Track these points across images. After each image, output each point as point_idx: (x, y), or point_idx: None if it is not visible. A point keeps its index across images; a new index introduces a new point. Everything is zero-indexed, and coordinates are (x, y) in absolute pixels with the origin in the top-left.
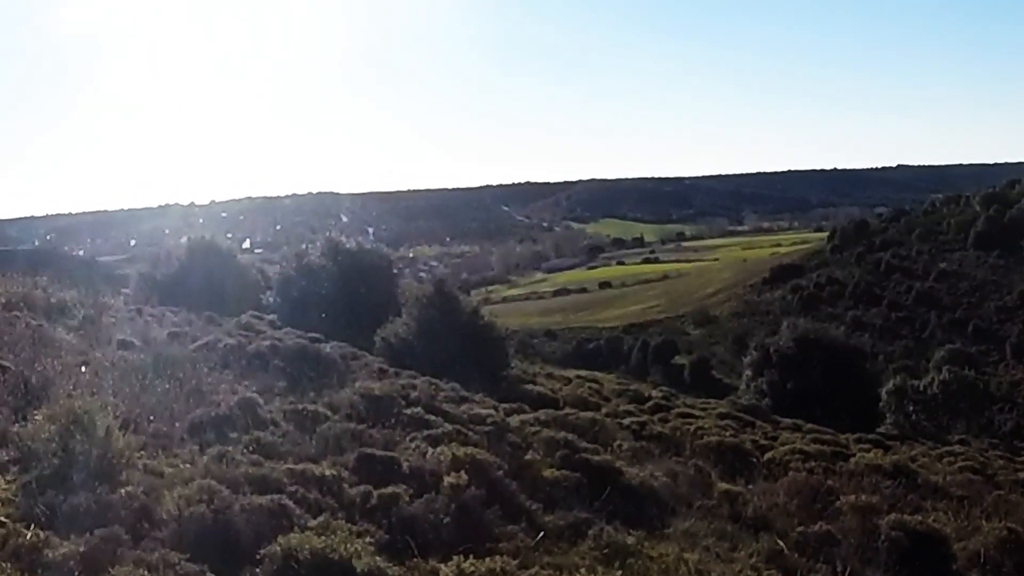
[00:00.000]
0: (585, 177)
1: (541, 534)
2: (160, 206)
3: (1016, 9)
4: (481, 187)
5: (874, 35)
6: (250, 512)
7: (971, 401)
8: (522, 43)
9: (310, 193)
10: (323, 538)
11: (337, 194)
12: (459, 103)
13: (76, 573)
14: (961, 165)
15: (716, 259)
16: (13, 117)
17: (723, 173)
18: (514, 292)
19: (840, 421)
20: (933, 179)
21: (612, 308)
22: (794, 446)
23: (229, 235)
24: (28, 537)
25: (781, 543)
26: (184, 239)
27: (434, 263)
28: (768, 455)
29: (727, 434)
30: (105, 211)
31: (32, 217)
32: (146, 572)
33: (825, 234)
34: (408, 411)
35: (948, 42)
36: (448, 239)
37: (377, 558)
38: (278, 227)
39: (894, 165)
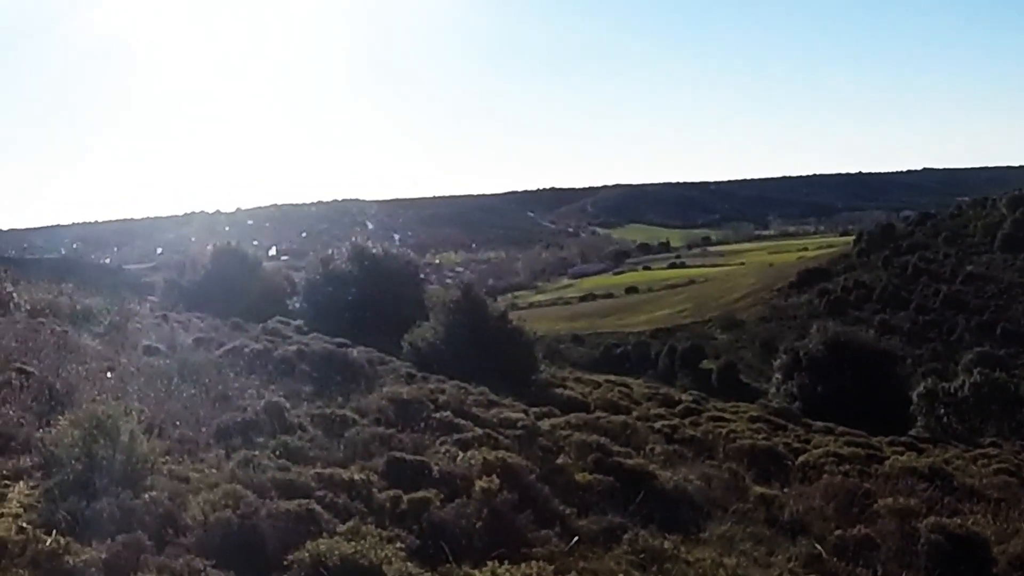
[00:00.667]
0: (610, 183)
1: (575, 539)
2: (186, 214)
3: None
4: (506, 193)
5: (899, 39)
6: (277, 517)
7: (1002, 403)
8: (547, 49)
9: (335, 200)
10: (353, 543)
11: (362, 201)
12: (483, 110)
13: None
14: (986, 168)
15: (742, 263)
16: (39, 126)
17: (748, 178)
18: (540, 298)
19: (871, 424)
20: (958, 182)
21: (639, 313)
22: (828, 449)
23: (255, 242)
24: (48, 543)
25: (819, 547)
26: (210, 246)
27: (460, 269)
28: (802, 458)
29: (760, 437)
30: (131, 219)
31: (58, 226)
32: None
33: (851, 238)
34: (437, 415)
35: (973, 46)
36: (473, 245)
37: (408, 564)
38: (304, 234)
39: (919, 168)
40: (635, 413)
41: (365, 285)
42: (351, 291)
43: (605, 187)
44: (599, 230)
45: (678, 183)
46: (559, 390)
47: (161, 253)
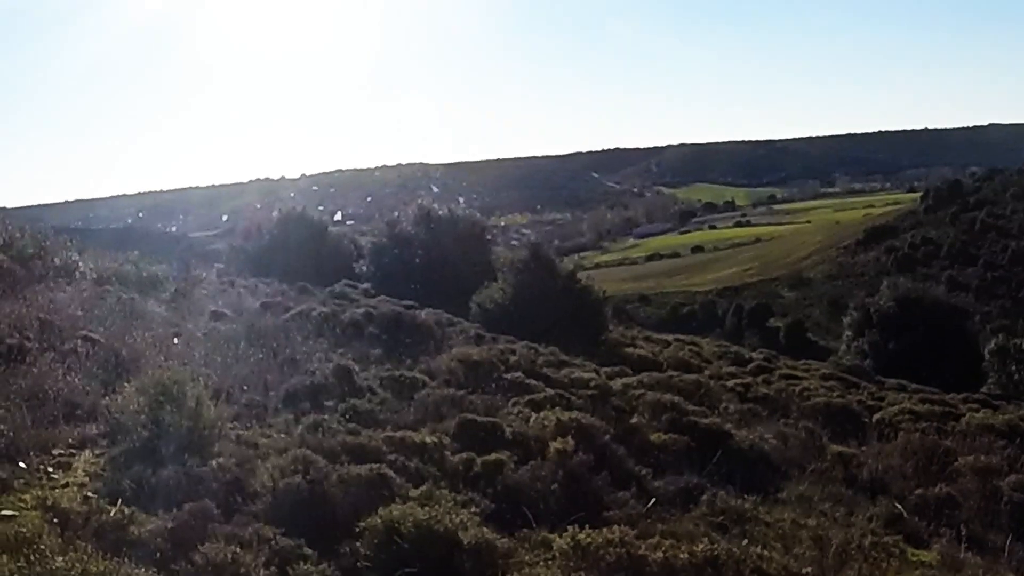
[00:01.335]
0: (675, 142)
1: (652, 500)
2: (250, 181)
3: None
4: (570, 155)
5: None
6: (348, 483)
7: None
8: (611, 9)
9: (400, 164)
10: (426, 509)
11: (427, 164)
12: (547, 71)
13: (163, 551)
14: None
15: (808, 221)
16: (103, 99)
17: (814, 135)
18: (606, 258)
19: (943, 381)
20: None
21: (705, 273)
22: (903, 406)
23: (320, 207)
24: (113, 514)
25: (899, 507)
26: (275, 212)
27: (526, 231)
28: (877, 416)
29: (834, 395)
30: (195, 188)
31: (122, 196)
32: (238, 548)
33: (918, 195)
34: (508, 376)
35: None
36: (538, 207)
37: (483, 529)
38: (369, 199)
39: (986, 124)
40: (707, 372)
41: (431, 247)
42: (418, 253)
43: (670, 147)
44: (664, 190)
45: (743, 141)
46: (629, 349)
47: (227, 220)
